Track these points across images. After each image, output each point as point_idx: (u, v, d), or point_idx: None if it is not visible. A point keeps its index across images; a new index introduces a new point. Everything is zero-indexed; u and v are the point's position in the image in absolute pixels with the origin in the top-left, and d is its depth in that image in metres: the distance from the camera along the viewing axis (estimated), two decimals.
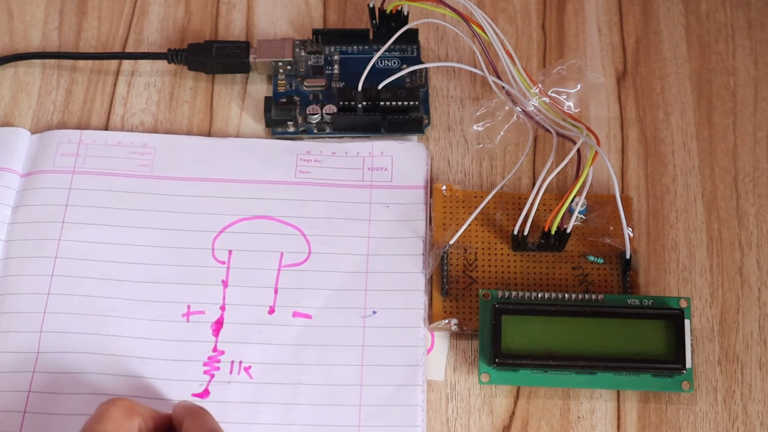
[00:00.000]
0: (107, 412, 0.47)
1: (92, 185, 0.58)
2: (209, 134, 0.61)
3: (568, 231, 0.55)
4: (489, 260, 0.57)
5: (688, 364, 0.52)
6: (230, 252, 0.57)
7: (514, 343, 0.53)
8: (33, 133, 0.60)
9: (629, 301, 0.54)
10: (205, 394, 0.53)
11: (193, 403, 0.50)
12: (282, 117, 0.60)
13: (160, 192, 0.58)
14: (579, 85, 0.59)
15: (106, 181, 0.58)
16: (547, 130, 0.57)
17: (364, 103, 0.60)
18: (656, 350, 0.52)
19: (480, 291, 0.54)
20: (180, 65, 0.62)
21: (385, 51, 0.60)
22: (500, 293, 0.54)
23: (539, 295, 0.54)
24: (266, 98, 0.60)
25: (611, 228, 0.57)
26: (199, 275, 0.56)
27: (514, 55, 0.57)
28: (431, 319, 0.55)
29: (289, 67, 0.62)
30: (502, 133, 0.60)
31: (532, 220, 0.55)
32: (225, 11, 0.65)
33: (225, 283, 0.56)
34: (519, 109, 0.58)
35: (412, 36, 0.63)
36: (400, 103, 0.60)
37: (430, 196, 0.58)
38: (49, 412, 0.52)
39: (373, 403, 0.53)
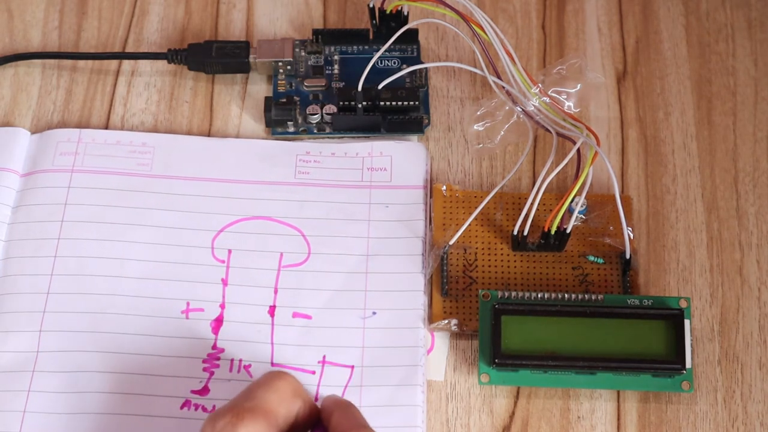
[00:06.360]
0: (276, 384, 0.46)
1: (91, 184, 0.58)
2: (209, 134, 0.61)
3: (568, 231, 0.55)
4: (489, 260, 0.57)
5: (688, 364, 0.52)
6: (230, 251, 0.57)
7: (513, 343, 0.53)
8: (33, 133, 0.60)
9: (629, 301, 0.54)
10: (204, 391, 0.53)
11: (341, 397, 0.49)
12: (282, 117, 0.60)
13: (159, 191, 0.58)
14: (579, 85, 0.59)
15: (105, 180, 0.58)
16: (547, 130, 0.57)
17: (364, 103, 0.59)
18: (656, 350, 0.52)
19: (480, 291, 0.54)
20: (180, 65, 0.62)
21: (385, 51, 0.60)
22: (500, 293, 0.54)
23: (539, 296, 0.54)
24: (266, 98, 0.60)
25: (611, 228, 0.57)
26: (198, 273, 0.56)
27: (514, 55, 0.57)
28: (431, 319, 0.55)
29: (289, 67, 0.62)
30: (502, 133, 0.60)
31: (532, 220, 0.55)
32: (225, 11, 0.65)
33: (225, 282, 0.56)
34: (519, 109, 0.58)
35: (412, 36, 0.62)
36: (400, 103, 0.60)
37: (430, 196, 0.58)
38: (48, 412, 0.52)
39: (373, 404, 0.53)
